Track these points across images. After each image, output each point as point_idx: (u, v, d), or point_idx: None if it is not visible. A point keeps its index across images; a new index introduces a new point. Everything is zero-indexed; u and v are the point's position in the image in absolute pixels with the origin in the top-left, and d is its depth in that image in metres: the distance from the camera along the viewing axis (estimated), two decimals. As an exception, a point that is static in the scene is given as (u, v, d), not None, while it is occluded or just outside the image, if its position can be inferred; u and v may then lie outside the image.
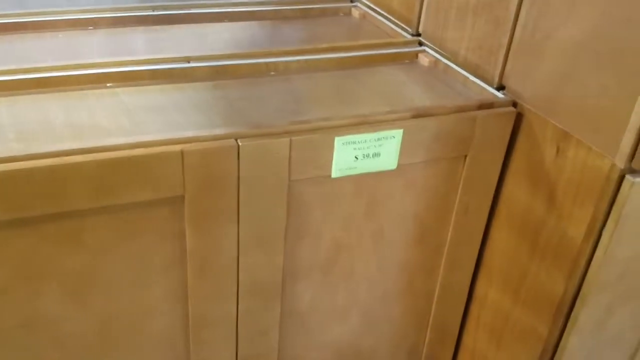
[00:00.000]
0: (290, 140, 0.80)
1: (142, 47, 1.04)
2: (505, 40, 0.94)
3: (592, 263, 0.83)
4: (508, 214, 0.98)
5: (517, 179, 0.95)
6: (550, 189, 0.89)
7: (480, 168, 0.95)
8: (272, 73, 1.00)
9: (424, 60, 1.08)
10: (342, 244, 0.93)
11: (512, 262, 0.99)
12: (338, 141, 0.83)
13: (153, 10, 1.17)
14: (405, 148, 0.88)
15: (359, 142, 0.84)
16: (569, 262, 0.87)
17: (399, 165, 0.89)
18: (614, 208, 0.79)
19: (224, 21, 1.20)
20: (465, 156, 0.93)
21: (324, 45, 1.08)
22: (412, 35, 1.16)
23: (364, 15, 1.28)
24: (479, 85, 0.98)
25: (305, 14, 1.27)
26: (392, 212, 0.94)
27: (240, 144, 0.77)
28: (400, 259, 0.99)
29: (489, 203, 0.99)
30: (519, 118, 0.93)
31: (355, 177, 0.88)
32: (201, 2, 1.24)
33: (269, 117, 0.85)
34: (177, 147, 0.74)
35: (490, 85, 0.97)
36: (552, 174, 0.89)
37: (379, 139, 0.85)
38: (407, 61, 1.09)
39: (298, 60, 1.02)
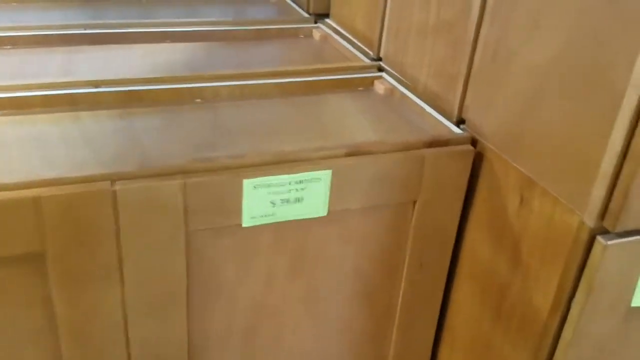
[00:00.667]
0: (185, 183, 0.65)
1: (52, 70, 0.91)
2: (465, 66, 0.79)
3: (560, 342, 0.67)
4: (470, 271, 0.82)
5: (479, 230, 0.79)
6: (515, 245, 0.73)
7: (434, 216, 0.79)
8: (198, 100, 0.86)
9: (379, 87, 0.93)
10: (264, 308, 0.78)
11: (475, 329, 0.82)
12: (248, 184, 0.68)
13: (84, 29, 1.05)
14: (337, 192, 0.72)
15: (274, 185, 0.70)
16: (535, 337, 0.70)
17: (330, 212, 0.73)
18: (584, 275, 0.63)
19: (165, 42, 1.07)
20: (415, 202, 0.77)
21: (266, 70, 0.94)
22: (373, 59, 1.01)
23: (325, 38, 1.14)
24: (435, 118, 0.83)
25: (259, 36, 1.13)
26: (325, 267, 0.78)
27: (116, 187, 0.63)
28: (340, 325, 0.83)
29: (448, 257, 0.83)
30: (479, 158, 0.77)
31: (274, 225, 0.73)
32: (146, 20, 1.12)
33: (171, 153, 0.71)
34: (32, 193, 0.60)
35: (449, 118, 0.82)
36: (515, 227, 0.72)
37: (300, 182, 0.71)
38: (360, 88, 0.94)
39: (229, 86, 0.88)
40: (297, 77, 0.92)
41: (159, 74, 0.89)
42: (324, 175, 0.71)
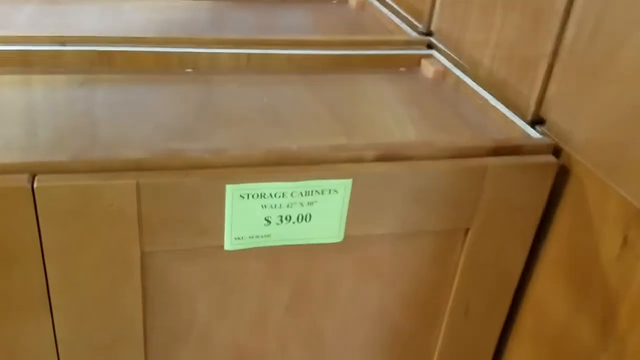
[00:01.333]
0: (139, 184, 0.45)
1: (19, 21, 0.72)
2: (549, 46, 0.57)
3: None
4: (536, 331, 0.60)
5: (554, 276, 0.57)
6: (608, 304, 0.51)
7: (492, 250, 0.57)
8: (189, 70, 0.66)
9: (427, 69, 0.71)
10: (249, 354, 0.58)
11: (534, 404, 0.60)
12: (232, 191, 0.48)
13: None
14: (358, 210, 0.52)
15: (271, 196, 0.49)
16: None
17: (347, 237, 0.53)
18: None
19: (171, -3, 0.87)
20: (467, 230, 0.56)
21: (282, 37, 0.73)
22: (422, 33, 0.79)
23: (362, 5, 0.92)
24: (502, 114, 0.61)
25: (284, -2, 0.92)
26: (337, 309, 0.58)
27: (37, 184, 0.43)
28: (352, 380, 0.63)
29: (506, 306, 0.62)
30: (562, 174, 0.55)
31: (269, 251, 0.52)
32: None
33: (129, 138, 0.51)
34: None
35: (522, 116, 0.60)
36: (612, 278, 0.51)
37: (308, 193, 0.50)
38: (403, 69, 0.73)
39: (233, 55, 0.67)
40: (321, 48, 0.71)
41: (144, 34, 0.69)
42: (342, 186, 0.50)
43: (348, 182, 0.50)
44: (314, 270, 0.55)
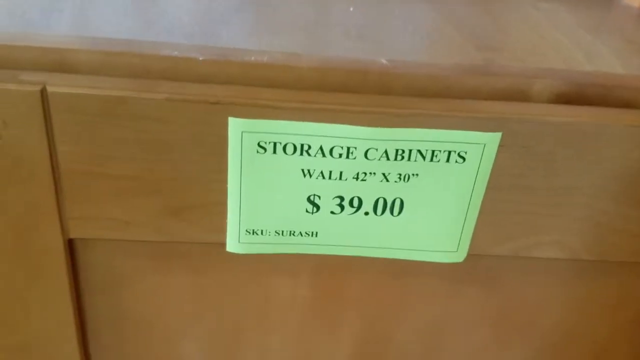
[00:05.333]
0: (45, 91, 0.21)
1: None
2: None
3: None
4: None
5: None
6: None
7: None
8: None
9: (634, -9, 0.43)
10: None
11: None
12: (240, 133, 0.23)
13: None
14: (504, 203, 0.25)
15: (324, 153, 0.23)
16: None
17: (473, 256, 0.26)
18: None
19: None
20: None
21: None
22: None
23: None
24: None
25: None
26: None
27: None
28: None
29: None
30: None
31: (314, 263, 0.27)
32: None
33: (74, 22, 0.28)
34: None
35: None
36: None
37: (403, 154, 0.24)
38: (589, -9, 0.44)
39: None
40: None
41: None
42: (478, 147, 0.24)
43: (492, 139, 0.23)
44: (401, 310, 0.29)
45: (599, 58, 0.31)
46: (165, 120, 0.22)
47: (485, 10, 0.39)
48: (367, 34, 0.31)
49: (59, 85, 0.22)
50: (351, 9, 0.36)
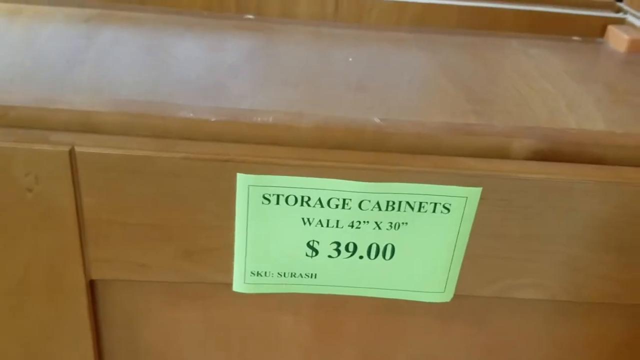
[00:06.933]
0: (73, 151, 0.24)
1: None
2: None
3: None
4: None
5: None
6: None
7: None
8: (249, 16, 0.45)
9: (618, 39, 0.45)
10: None
11: None
12: (247, 187, 0.25)
13: None
14: (486, 248, 0.27)
15: (322, 204, 0.26)
16: None
17: (460, 297, 0.28)
18: None
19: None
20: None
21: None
22: (606, -5, 0.53)
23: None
24: None
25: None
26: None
27: None
28: None
29: None
30: None
31: (314, 302, 0.29)
32: None
33: (100, 86, 0.31)
34: None
35: None
36: None
37: (394, 206, 0.26)
38: (576, 37, 0.47)
39: None
40: None
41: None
42: (461, 199, 0.26)
43: (474, 193, 0.26)
44: (396, 345, 0.31)
45: (581, 108, 0.34)
46: (182, 176, 0.25)
47: (477, 56, 0.41)
48: (366, 86, 0.34)
49: (86, 146, 0.24)
50: (350, 59, 0.39)
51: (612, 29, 0.46)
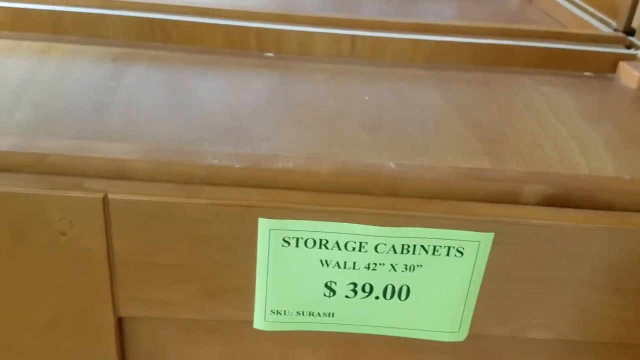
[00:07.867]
0: (106, 198, 0.26)
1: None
2: None
3: None
4: None
5: None
6: None
7: None
8: (269, 54, 0.47)
9: (630, 75, 0.46)
10: None
11: None
12: (268, 231, 0.27)
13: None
14: (499, 290, 0.28)
15: (340, 247, 0.27)
16: None
17: (473, 335, 0.29)
18: None
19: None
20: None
21: (408, 21, 0.52)
22: (616, 31, 0.54)
23: (529, -3, 0.68)
24: None
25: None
26: None
27: None
28: None
29: None
30: None
31: (331, 339, 0.30)
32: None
33: (130, 133, 0.32)
34: None
35: None
36: None
37: (409, 249, 0.27)
38: (588, 73, 0.48)
39: (332, 36, 0.47)
40: (465, 36, 0.49)
41: (215, 3, 0.51)
42: (475, 244, 0.27)
43: (486, 238, 0.27)
44: (411, 383, 0.32)
45: (592, 149, 0.35)
46: (206, 220, 0.26)
47: (489, 94, 0.43)
48: (380, 126, 0.35)
49: (118, 193, 0.26)
50: (366, 97, 0.41)
51: (623, 66, 0.47)
